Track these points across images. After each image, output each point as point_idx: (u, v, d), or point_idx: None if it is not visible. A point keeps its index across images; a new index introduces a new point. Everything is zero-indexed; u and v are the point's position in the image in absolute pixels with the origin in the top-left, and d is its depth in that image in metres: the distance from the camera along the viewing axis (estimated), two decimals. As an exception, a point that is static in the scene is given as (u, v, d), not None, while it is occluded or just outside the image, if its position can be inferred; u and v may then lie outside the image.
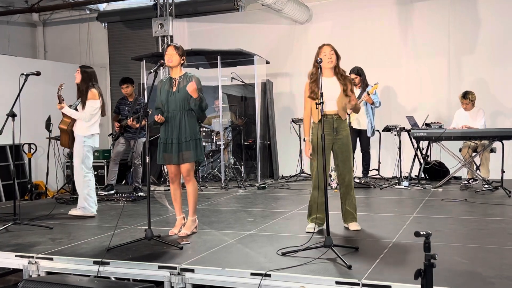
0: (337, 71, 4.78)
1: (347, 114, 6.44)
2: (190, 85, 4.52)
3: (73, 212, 5.91)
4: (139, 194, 7.24)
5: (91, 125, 5.79)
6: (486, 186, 7.07)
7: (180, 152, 4.64)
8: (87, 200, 5.84)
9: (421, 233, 2.55)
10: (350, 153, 4.79)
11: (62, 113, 5.86)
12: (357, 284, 3.26)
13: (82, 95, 5.77)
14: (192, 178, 4.76)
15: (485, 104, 7.90)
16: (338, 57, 4.77)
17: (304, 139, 4.94)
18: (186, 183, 4.77)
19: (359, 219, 4.91)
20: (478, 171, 7.47)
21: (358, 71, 7.86)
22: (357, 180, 7.82)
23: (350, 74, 7.74)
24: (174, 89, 4.69)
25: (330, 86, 4.72)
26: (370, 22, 9.13)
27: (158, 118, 4.64)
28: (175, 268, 3.71)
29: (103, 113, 5.91)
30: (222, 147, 8.38)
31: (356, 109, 5.08)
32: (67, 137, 5.93)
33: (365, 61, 8.14)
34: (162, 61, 4.64)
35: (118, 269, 3.87)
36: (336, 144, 4.73)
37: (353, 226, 4.83)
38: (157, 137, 8.52)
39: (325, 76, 4.76)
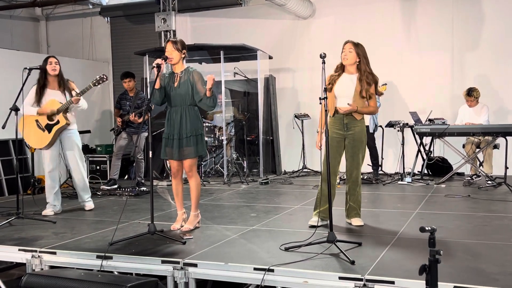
0: (360, 70, 4.73)
1: None
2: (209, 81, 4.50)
3: (89, 207, 5.94)
4: (142, 188, 7.25)
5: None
6: (489, 182, 7.06)
7: (180, 148, 4.63)
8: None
9: (426, 228, 2.53)
10: (360, 149, 4.77)
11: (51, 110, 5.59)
12: (361, 280, 3.25)
13: (65, 86, 5.68)
14: (195, 174, 4.75)
15: (488, 100, 7.87)
16: (359, 56, 4.72)
17: (317, 130, 4.90)
18: (189, 178, 4.76)
19: (362, 215, 4.91)
20: (481, 167, 7.46)
21: None
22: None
23: None
24: (176, 84, 4.67)
25: (346, 83, 4.73)
26: (373, 17, 9.09)
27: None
28: (178, 262, 3.71)
29: None
30: (224, 142, 8.37)
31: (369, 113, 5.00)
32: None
33: (368, 57, 8.09)
34: (166, 55, 4.62)
35: (121, 263, 3.88)
36: (347, 139, 4.73)
37: (356, 221, 4.83)
38: (160, 132, 8.62)
39: (347, 73, 4.78)
